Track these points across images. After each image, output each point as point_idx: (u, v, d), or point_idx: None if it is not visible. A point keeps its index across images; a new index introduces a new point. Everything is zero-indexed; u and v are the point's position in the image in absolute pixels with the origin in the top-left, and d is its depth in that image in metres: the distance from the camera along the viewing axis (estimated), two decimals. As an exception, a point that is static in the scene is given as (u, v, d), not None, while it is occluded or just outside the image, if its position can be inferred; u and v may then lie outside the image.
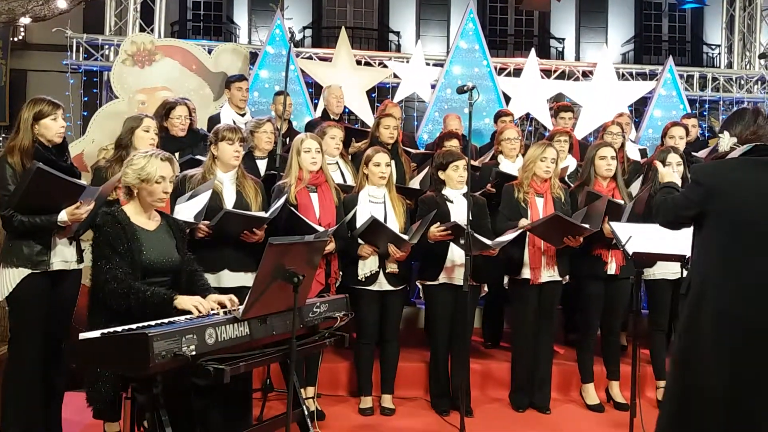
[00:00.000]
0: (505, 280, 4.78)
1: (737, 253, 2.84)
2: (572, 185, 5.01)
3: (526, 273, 4.63)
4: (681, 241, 3.54)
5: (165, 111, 5.27)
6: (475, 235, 4.22)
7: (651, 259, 4.37)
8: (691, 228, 3.08)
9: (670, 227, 3.18)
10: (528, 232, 4.54)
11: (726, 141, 3.04)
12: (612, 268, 4.69)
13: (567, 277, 4.75)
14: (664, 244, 3.82)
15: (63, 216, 3.56)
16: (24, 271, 3.62)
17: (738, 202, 2.85)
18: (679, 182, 3.42)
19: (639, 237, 3.85)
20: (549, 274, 4.64)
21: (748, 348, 2.77)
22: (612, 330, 4.93)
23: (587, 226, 4.42)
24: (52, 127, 3.74)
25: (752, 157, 2.95)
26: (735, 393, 2.77)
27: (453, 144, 5.41)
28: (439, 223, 4.35)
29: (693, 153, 5.87)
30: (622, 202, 4.65)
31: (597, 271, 4.70)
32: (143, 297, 3.03)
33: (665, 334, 4.96)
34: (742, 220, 2.84)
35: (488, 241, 4.30)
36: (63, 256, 3.75)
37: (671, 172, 3.52)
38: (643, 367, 4.95)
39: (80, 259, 3.86)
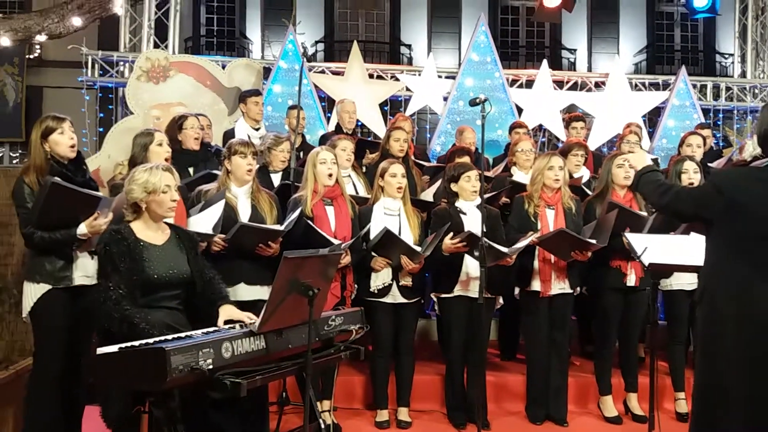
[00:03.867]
0: (516, 291, 4.77)
1: (758, 260, 2.82)
2: (591, 193, 5.00)
3: (536, 285, 4.62)
4: (697, 251, 3.52)
5: (177, 125, 5.31)
6: (491, 243, 4.21)
7: (667, 270, 4.35)
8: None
9: (675, 216, 3.16)
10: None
11: (750, 149, 3.02)
12: (632, 280, 4.66)
13: (578, 289, 4.73)
14: (680, 256, 3.80)
15: (82, 228, 3.58)
16: (45, 287, 3.64)
17: (759, 213, 2.83)
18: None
19: (655, 248, 3.83)
20: (560, 287, 4.62)
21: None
22: (630, 341, 4.89)
23: (594, 241, 4.40)
24: (61, 141, 3.74)
25: None
26: (757, 392, 2.76)
27: (464, 160, 5.39)
28: (453, 234, 4.34)
29: (708, 164, 5.84)
30: (644, 213, 4.62)
31: (616, 283, 4.67)
32: (134, 329, 2.96)
33: (684, 345, 4.92)
34: (761, 230, 2.83)
35: (504, 249, 4.29)
36: (85, 270, 3.76)
37: (643, 155, 3.51)
38: (662, 379, 4.90)
39: None
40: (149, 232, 3.28)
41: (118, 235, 3.17)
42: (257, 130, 6.32)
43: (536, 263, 4.61)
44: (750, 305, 2.80)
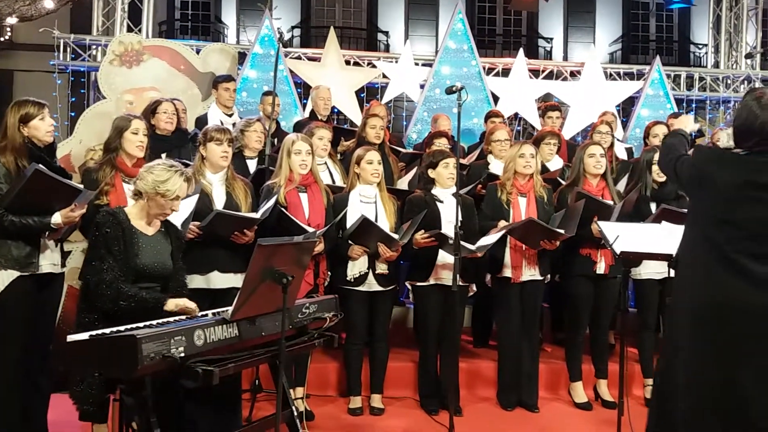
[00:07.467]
0: (488, 278, 4.81)
1: (717, 247, 2.84)
2: (564, 183, 5.04)
3: (507, 272, 4.66)
4: (667, 240, 3.56)
5: (150, 110, 5.26)
6: (460, 242, 4.22)
7: (638, 258, 4.39)
8: (681, 226, 3.11)
9: (672, 180, 3.23)
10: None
11: (724, 140, 3.05)
12: (601, 268, 4.71)
13: (548, 276, 4.78)
14: (651, 244, 3.84)
15: (57, 218, 3.53)
16: (13, 274, 3.58)
17: (722, 196, 2.84)
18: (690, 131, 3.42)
19: (626, 236, 3.87)
20: (530, 273, 4.67)
21: (726, 329, 2.79)
22: (600, 329, 4.96)
23: (562, 231, 4.45)
24: (41, 127, 3.70)
25: (753, 156, 2.90)
26: (720, 373, 2.80)
27: (442, 143, 5.44)
28: (423, 231, 4.35)
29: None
30: (610, 202, 4.67)
31: (586, 271, 4.72)
32: (134, 300, 3.07)
33: (653, 332, 4.99)
34: (722, 214, 2.84)
35: (472, 246, 4.31)
36: (51, 258, 3.72)
37: (688, 119, 3.52)
38: (631, 366, 4.98)
39: (63, 264, 3.85)
40: (142, 221, 3.29)
41: (113, 218, 3.17)
42: (230, 116, 6.27)
43: (507, 250, 4.65)
44: (707, 294, 2.83)
